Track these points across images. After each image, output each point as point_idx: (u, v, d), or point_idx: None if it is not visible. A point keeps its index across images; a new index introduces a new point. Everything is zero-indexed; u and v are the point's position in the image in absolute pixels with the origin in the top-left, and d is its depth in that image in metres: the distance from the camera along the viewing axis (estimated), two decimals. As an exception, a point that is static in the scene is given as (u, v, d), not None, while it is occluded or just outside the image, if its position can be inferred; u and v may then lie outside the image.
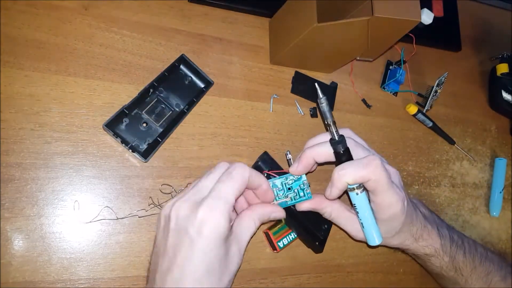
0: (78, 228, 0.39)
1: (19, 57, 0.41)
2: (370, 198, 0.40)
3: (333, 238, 0.50)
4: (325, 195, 0.41)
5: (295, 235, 0.46)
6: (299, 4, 0.46)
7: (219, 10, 0.52)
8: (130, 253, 0.40)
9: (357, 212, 0.41)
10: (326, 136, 0.41)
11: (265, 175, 0.41)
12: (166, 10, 0.49)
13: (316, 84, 0.39)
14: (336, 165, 0.39)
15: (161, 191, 0.43)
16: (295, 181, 0.41)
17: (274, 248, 0.45)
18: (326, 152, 0.40)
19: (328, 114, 0.38)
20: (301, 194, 0.42)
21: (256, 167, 0.44)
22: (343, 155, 0.39)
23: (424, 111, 0.62)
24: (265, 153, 0.45)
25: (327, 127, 0.39)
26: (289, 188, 0.41)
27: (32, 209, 0.38)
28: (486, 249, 0.51)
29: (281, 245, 0.45)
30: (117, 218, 0.40)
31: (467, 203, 0.63)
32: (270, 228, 0.45)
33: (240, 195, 0.36)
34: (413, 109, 0.60)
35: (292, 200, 0.42)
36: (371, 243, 0.42)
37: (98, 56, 0.44)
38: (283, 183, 0.41)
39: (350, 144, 0.40)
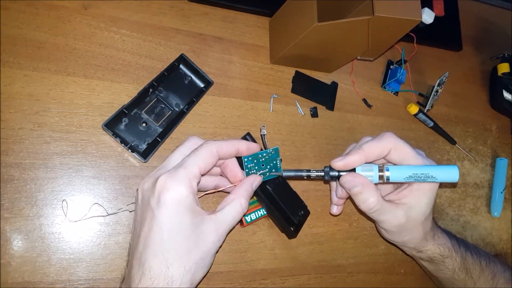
0: (78, 228, 0.39)
1: (19, 57, 0.41)
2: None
3: (333, 239, 0.50)
4: (336, 161, 0.40)
5: (265, 212, 0.45)
6: (299, 4, 0.46)
7: (219, 10, 0.52)
8: (129, 253, 0.40)
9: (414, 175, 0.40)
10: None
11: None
12: (166, 10, 0.49)
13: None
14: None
15: None
16: (269, 157, 0.41)
17: (241, 222, 0.44)
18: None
19: (303, 173, 0.41)
20: (273, 170, 0.41)
21: None
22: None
23: (425, 111, 0.62)
24: (248, 134, 0.45)
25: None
26: (262, 165, 0.41)
27: (32, 210, 0.38)
28: (486, 252, 0.51)
29: (248, 220, 0.44)
30: (108, 214, 0.40)
31: (468, 203, 0.63)
32: None
33: (209, 168, 0.35)
34: (414, 108, 0.60)
35: (264, 176, 0.41)
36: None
37: (98, 56, 0.44)
38: (256, 158, 0.40)
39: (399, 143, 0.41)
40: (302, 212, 0.47)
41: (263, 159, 0.40)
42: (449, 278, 0.48)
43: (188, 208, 0.32)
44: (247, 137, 0.45)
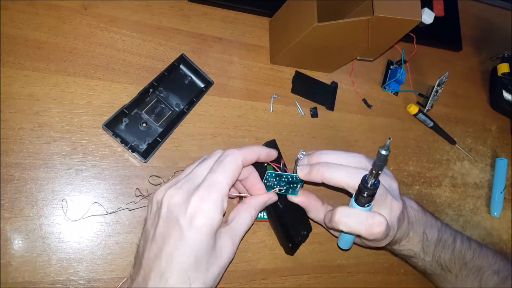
0: (78, 228, 0.39)
1: (19, 57, 0.41)
2: None
3: (333, 239, 0.50)
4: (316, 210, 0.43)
5: (266, 216, 0.45)
6: (299, 4, 0.46)
7: (219, 10, 0.52)
8: (129, 253, 0.40)
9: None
10: (344, 158, 0.40)
11: (266, 164, 0.41)
12: (166, 10, 0.49)
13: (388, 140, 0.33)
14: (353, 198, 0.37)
15: (150, 183, 0.42)
16: (292, 180, 0.41)
17: None
18: (342, 181, 0.38)
19: (381, 167, 0.34)
20: (290, 190, 0.42)
21: None
22: (364, 197, 0.36)
23: (424, 111, 0.62)
24: (273, 141, 0.45)
25: (372, 169, 0.34)
26: (282, 183, 0.41)
27: (32, 209, 0.38)
28: (481, 245, 0.49)
29: None
30: (107, 213, 0.40)
31: (468, 203, 0.63)
32: None
33: (233, 184, 0.35)
34: (414, 109, 0.60)
35: (280, 191, 0.41)
36: (342, 247, 0.45)
37: (98, 56, 0.44)
38: (279, 176, 0.40)
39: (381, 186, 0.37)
40: (305, 233, 0.46)
41: (286, 179, 0.40)
42: (423, 270, 0.49)
43: (216, 230, 0.33)
44: (271, 144, 0.44)
